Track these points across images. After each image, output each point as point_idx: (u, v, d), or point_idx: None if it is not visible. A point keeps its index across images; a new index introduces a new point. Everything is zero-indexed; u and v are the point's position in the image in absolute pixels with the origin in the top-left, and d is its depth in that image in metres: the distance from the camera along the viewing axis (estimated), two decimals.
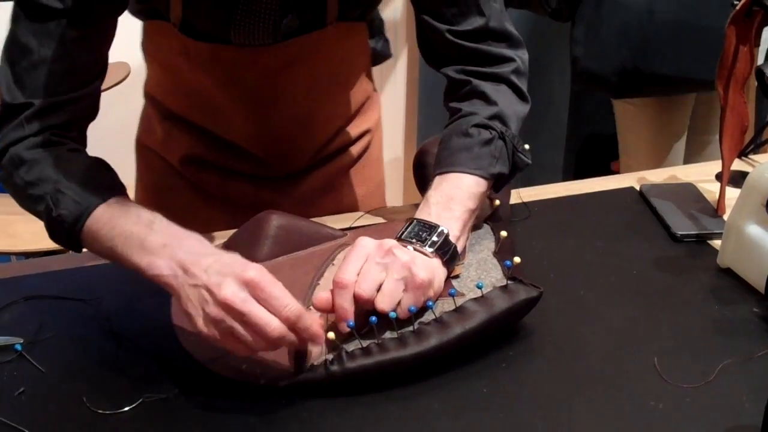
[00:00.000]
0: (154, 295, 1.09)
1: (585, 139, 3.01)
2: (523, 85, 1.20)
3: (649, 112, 2.22)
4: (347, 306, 0.95)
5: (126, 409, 0.92)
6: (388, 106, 3.42)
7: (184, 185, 1.40)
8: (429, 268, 1.00)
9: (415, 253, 1.00)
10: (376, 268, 0.97)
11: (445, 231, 1.04)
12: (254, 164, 1.35)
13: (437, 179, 1.11)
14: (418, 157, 1.29)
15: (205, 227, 1.24)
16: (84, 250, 1.05)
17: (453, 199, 1.08)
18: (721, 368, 0.97)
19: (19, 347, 1.00)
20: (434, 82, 3.35)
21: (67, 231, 1.02)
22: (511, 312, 0.99)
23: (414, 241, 1.03)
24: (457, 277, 1.07)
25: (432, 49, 1.22)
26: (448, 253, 1.03)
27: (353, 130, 1.43)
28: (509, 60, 1.19)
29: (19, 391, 0.95)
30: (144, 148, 1.44)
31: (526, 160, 1.16)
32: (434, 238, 1.03)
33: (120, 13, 1.12)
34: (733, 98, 1.27)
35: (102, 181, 1.05)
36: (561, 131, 3.05)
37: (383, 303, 0.96)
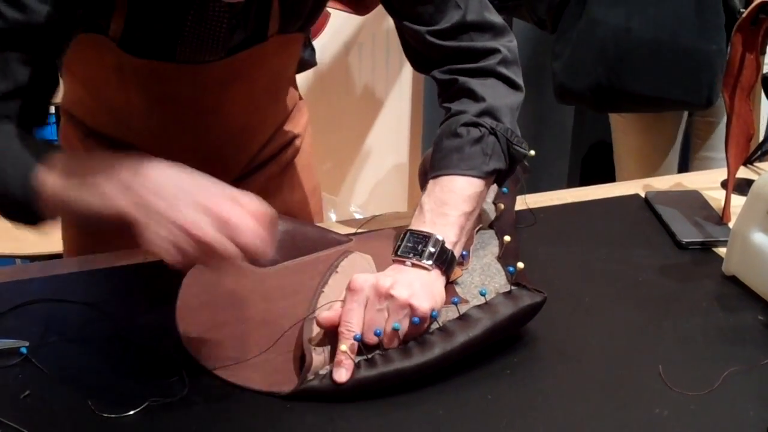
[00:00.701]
0: (160, 298, 1.09)
1: (590, 146, 3.01)
2: (512, 73, 1.17)
3: (637, 125, 2.20)
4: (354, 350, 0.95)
5: (131, 413, 0.92)
6: (394, 113, 3.42)
7: None
8: (429, 293, 0.99)
9: (412, 282, 0.99)
10: (378, 316, 0.96)
11: (440, 239, 1.03)
12: None
13: (430, 184, 1.10)
14: (423, 165, 1.29)
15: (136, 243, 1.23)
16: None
17: (447, 203, 1.07)
18: (726, 376, 0.97)
19: (24, 350, 1.00)
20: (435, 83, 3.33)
21: (18, 203, 0.96)
22: (515, 318, 0.99)
23: (410, 255, 1.02)
24: (457, 283, 1.06)
25: (416, 54, 1.21)
26: (446, 262, 1.03)
27: (283, 136, 1.42)
28: (494, 51, 1.16)
29: (24, 394, 0.95)
30: None
31: (523, 150, 1.14)
32: (430, 249, 1.02)
33: (68, 38, 1.08)
34: (739, 106, 1.27)
35: (34, 146, 0.99)
36: (566, 137, 3.05)
37: (391, 343, 0.97)
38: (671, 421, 0.91)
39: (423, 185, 1.28)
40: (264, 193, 1.38)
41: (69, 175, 0.93)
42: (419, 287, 0.98)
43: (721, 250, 1.22)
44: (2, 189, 0.96)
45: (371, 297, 0.97)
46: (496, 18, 1.18)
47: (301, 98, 1.49)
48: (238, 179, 1.37)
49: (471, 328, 0.97)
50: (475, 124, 1.11)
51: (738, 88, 1.26)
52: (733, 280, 1.16)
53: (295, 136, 1.45)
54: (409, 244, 1.04)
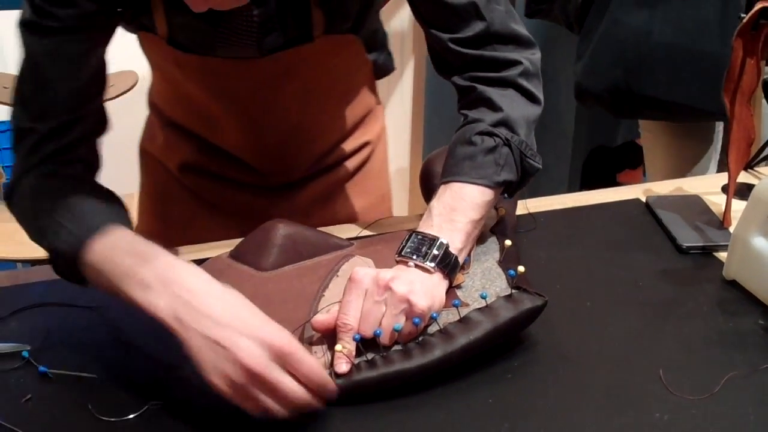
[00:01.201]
0: None
1: (591, 151, 3.01)
2: (532, 86, 1.17)
3: (663, 142, 2.16)
4: (352, 346, 0.95)
5: (131, 416, 0.92)
6: (394, 117, 3.42)
7: (183, 193, 1.40)
8: (428, 293, 0.99)
9: (413, 280, 0.99)
10: (375, 308, 0.96)
11: (445, 243, 1.04)
12: (250, 174, 1.36)
13: (441, 188, 1.11)
14: (425, 168, 1.29)
15: (203, 234, 1.24)
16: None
17: (456, 210, 1.08)
18: (726, 380, 0.97)
19: (26, 354, 1.01)
20: (440, 92, 3.36)
21: (69, 266, 0.99)
22: (516, 321, 0.99)
23: (414, 256, 1.02)
24: (459, 287, 1.07)
25: (439, 59, 1.21)
26: (449, 266, 1.03)
27: (352, 142, 1.43)
28: (515, 63, 1.17)
29: (26, 398, 0.95)
30: (146, 155, 1.45)
31: (536, 165, 1.14)
32: (434, 252, 1.03)
33: (116, 25, 1.13)
34: (740, 111, 1.27)
35: (99, 211, 1.02)
36: (567, 142, 3.06)
37: (385, 339, 0.96)
38: (672, 426, 0.91)
39: (424, 190, 1.29)
40: (326, 197, 1.41)
41: (119, 260, 0.94)
42: (419, 286, 0.98)
43: (722, 255, 1.22)
44: (56, 251, 1.00)
45: (370, 288, 0.97)
46: (521, 29, 1.19)
47: (379, 103, 1.49)
48: (301, 181, 1.39)
49: (472, 331, 0.97)
50: (490, 134, 1.11)
51: (738, 93, 1.26)
52: (734, 285, 1.16)
53: (367, 143, 1.46)
54: (413, 245, 1.04)
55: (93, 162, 1.12)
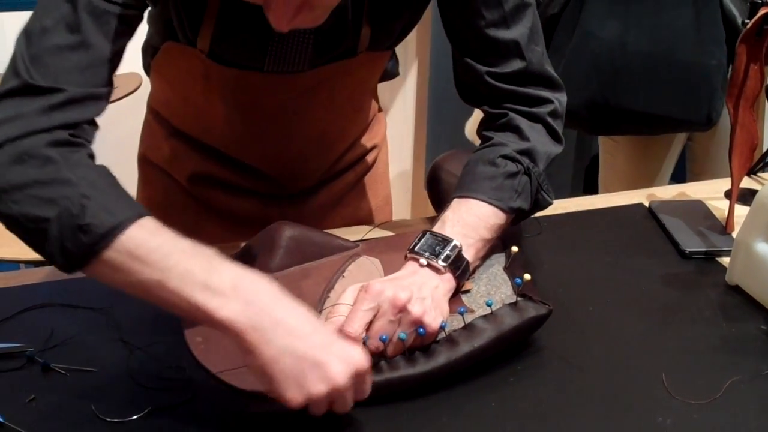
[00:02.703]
0: None
1: (593, 157, 3.01)
2: (558, 127, 1.20)
3: (627, 149, 2.12)
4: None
5: (134, 417, 0.92)
6: (397, 122, 3.42)
7: (190, 202, 1.38)
8: (438, 307, 0.99)
9: (425, 297, 0.98)
10: (389, 327, 0.96)
11: (459, 245, 1.04)
12: (265, 183, 1.35)
13: (456, 202, 1.11)
14: (432, 172, 1.30)
15: (210, 243, 1.24)
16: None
17: (469, 225, 1.08)
18: (729, 385, 0.97)
19: (30, 354, 1.01)
20: (443, 97, 3.35)
21: (88, 245, 0.88)
22: (519, 329, 0.99)
23: (427, 254, 1.03)
24: (468, 292, 1.07)
25: (468, 87, 1.22)
26: (460, 269, 1.03)
27: (361, 147, 1.44)
28: (547, 101, 1.19)
29: (29, 398, 0.95)
30: (147, 164, 1.41)
31: (548, 199, 1.16)
32: (447, 252, 1.03)
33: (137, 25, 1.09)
34: (743, 116, 1.27)
35: (130, 198, 0.93)
36: (569, 147, 3.06)
37: (393, 352, 0.97)
38: (674, 430, 0.91)
39: (431, 193, 1.29)
40: (338, 201, 1.42)
41: (174, 258, 0.88)
42: (431, 303, 0.98)
43: (725, 260, 1.22)
44: (81, 226, 0.88)
45: (385, 308, 0.96)
46: (553, 71, 1.21)
47: (380, 110, 1.50)
48: (314, 187, 1.39)
49: (476, 338, 0.97)
50: (514, 160, 1.13)
51: (742, 99, 1.26)
52: (737, 290, 1.16)
53: (373, 147, 1.47)
54: (427, 243, 1.04)
55: (93, 155, 0.99)
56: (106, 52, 0.99)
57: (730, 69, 1.76)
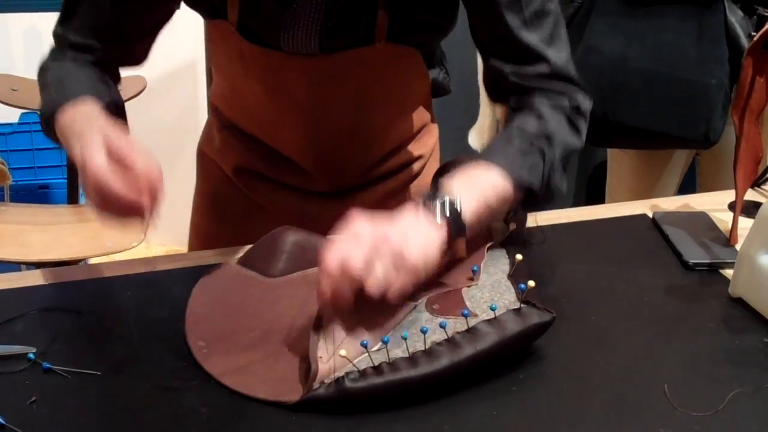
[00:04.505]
0: (169, 307, 1.10)
1: (596, 166, 3.02)
2: (579, 123, 1.20)
3: (633, 159, 2.14)
4: (328, 289, 0.95)
5: (135, 420, 0.92)
6: None
7: (237, 194, 1.44)
8: (425, 251, 0.98)
9: (411, 237, 0.98)
10: (365, 255, 0.95)
11: (458, 199, 1.03)
12: (302, 177, 1.37)
13: (467, 165, 1.11)
14: (435, 179, 1.30)
15: (255, 236, 1.25)
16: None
17: (476, 185, 1.07)
18: (731, 397, 0.97)
19: (32, 356, 1.01)
20: (447, 105, 3.36)
21: (48, 126, 1.13)
22: (522, 335, 0.99)
23: (423, 202, 1.03)
24: (464, 297, 1.07)
25: (495, 86, 1.24)
26: (455, 222, 1.02)
27: (407, 154, 1.44)
28: (571, 97, 1.19)
29: (30, 401, 0.95)
30: (204, 157, 1.50)
31: (560, 187, 1.16)
32: (443, 201, 1.02)
33: None
34: (748, 129, 1.27)
35: (83, 86, 1.15)
36: (573, 157, 3.06)
37: (372, 287, 0.94)
38: None
39: None
40: (379, 207, 1.39)
41: (76, 125, 1.07)
42: (415, 240, 0.98)
43: (728, 272, 1.22)
44: (39, 111, 1.17)
45: (366, 239, 0.96)
46: (577, 75, 1.21)
47: (434, 121, 1.51)
48: (353, 189, 1.41)
49: (478, 342, 0.97)
50: (529, 140, 1.13)
51: (747, 112, 1.26)
52: (740, 302, 1.16)
53: (420, 156, 1.47)
54: (426, 193, 1.05)
55: (113, 74, 1.26)
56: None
57: (734, 88, 1.76)
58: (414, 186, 1.47)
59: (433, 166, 1.51)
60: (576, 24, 1.94)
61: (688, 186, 2.22)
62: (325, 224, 1.15)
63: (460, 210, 1.02)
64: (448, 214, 1.01)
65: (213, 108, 1.47)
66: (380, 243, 0.95)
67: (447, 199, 1.02)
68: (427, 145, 1.48)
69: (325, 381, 0.94)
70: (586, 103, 1.21)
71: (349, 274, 0.93)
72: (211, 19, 1.26)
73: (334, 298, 0.95)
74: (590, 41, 1.90)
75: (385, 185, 1.43)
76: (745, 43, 1.75)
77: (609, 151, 2.26)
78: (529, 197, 1.13)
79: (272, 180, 1.40)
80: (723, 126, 1.81)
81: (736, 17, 1.78)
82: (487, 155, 1.12)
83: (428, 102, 1.47)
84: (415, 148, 1.45)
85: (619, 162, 2.19)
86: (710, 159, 2.11)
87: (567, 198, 3.05)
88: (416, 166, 1.47)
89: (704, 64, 1.79)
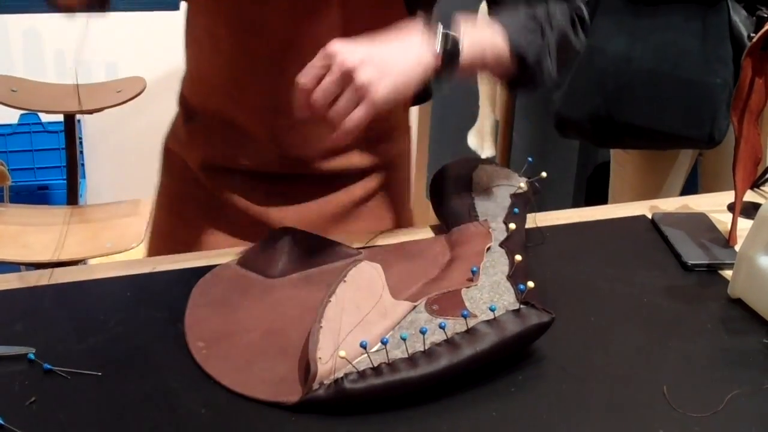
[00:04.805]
0: (169, 308, 1.10)
1: (596, 167, 3.02)
2: (578, 28, 1.23)
3: (636, 160, 2.14)
4: (305, 103, 0.98)
5: (136, 421, 0.92)
6: None
7: (200, 192, 1.39)
8: (396, 82, 1.00)
9: (383, 70, 1.00)
10: (331, 87, 0.98)
11: (461, 38, 1.06)
12: (262, 156, 1.33)
13: (472, 19, 1.14)
14: (434, 181, 1.30)
15: (215, 238, 1.24)
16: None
17: (479, 33, 1.10)
18: (730, 398, 0.97)
19: (31, 356, 1.01)
20: (445, 107, 3.35)
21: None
22: (522, 336, 0.99)
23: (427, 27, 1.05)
24: (464, 298, 1.07)
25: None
26: (449, 55, 1.05)
27: (373, 153, 1.38)
28: (575, 5, 1.23)
29: (30, 401, 0.95)
30: (169, 153, 1.45)
31: (551, 71, 1.19)
32: (447, 34, 1.05)
33: None
34: (747, 130, 1.28)
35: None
36: (572, 157, 3.06)
37: (333, 117, 0.98)
38: None
39: (434, 202, 1.29)
40: (344, 217, 1.36)
41: None
42: (388, 72, 1.00)
43: (727, 273, 1.22)
44: None
45: (334, 68, 0.98)
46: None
47: (408, 128, 1.47)
48: (318, 190, 1.36)
49: (478, 343, 0.97)
50: (534, 19, 1.17)
51: (747, 113, 1.26)
52: (739, 303, 1.16)
53: (388, 164, 1.42)
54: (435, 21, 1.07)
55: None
56: None
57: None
58: (380, 198, 1.42)
59: (402, 181, 1.47)
60: None
61: (689, 187, 2.22)
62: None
63: (461, 48, 1.05)
64: (447, 47, 1.03)
65: (181, 99, 1.41)
66: (348, 77, 0.98)
67: (452, 33, 1.04)
68: (399, 151, 1.43)
69: (325, 382, 0.94)
70: (585, 14, 1.25)
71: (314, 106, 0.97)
72: None
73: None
74: (594, 41, 1.90)
75: (350, 192, 1.38)
76: (748, 42, 1.76)
77: (612, 153, 2.26)
78: (521, 70, 1.15)
79: (236, 171, 1.34)
80: (727, 126, 1.81)
81: (739, 17, 1.78)
82: (493, 18, 1.14)
83: (406, 104, 1.43)
84: (383, 150, 1.39)
85: (622, 164, 2.19)
86: (712, 160, 2.11)
87: (566, 199, 3.05)
88: (383, 174, 1.41)
89: (708, 63, 1.80)
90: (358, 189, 1.39)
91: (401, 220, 1.47)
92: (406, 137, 1.47)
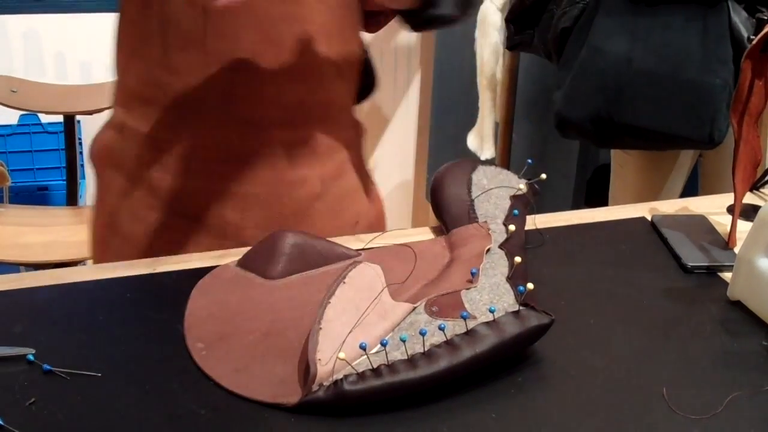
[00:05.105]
0: (168, 309, 1.10)
1: (595, 169, 3.02)
2: None
3: (637, 161, 2.15)
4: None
5: (137, 422, 0.92)
6: (400, 131, 3.43)
7: (142, 201, 1.34)
8: None
9: None
10: None
11: None
12: (213, 129, 1.28)
13: None
14: (434, 183, 1.30)
15: (169, 245, 1.23)
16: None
17: None
18: (729, 400, 0.97)
19: (31, 357, 1.01)
20: (446, 106, 3.36)
21: None
22: (521, 338, 0.99)
23: None
24: (464, 299, 1.07)
25: None
26: None
27: (322, 138, 1.33)
28: None
29: (29, 402, 0.95)
30: (101, 165, 1.40)
31: None
32: None
33: None
34: (747, 132, 1.28)
35: None
36: (572, 158, 3.06)
37: None
38: None
39: (434, 204, 1.29)
40: (302, 213, 1.34)
41: None
42: None
43: (727, 275, 1.22)
44: None
45: None
46: None
47: (363, 130, 1.45)
48: (268, 187, 1.32)
49: (477, 344, 0.97)
50: None
51: (746, 115, 1.27)
52: (738, 305, 1.16)
53: (343, 161, 1.40)
54: None
55: None
56: None
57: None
58: (332, 198, 1.39)
59: (350, 179, 1.43)
60: (581, 24, 1.94)
61: (690, 188, 2.23)
62: (246, 233, 1.14)
63: None
64: None
65: (115, 107, 1.36)
66: None
67: None
68: (346, 146, 1.39)
69: (324, 383, 0.94)
70: None
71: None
72: None
73: None
74: (595, 42, 1.90)
75: (304, 188, 1.33)
76: (748, 44, 1.76)
77: (612, 153, 2.26)
78: None
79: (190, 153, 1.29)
80: (727, 126, 1.82)
81: (740, 17, 1.78)
82: None
83: (353, 100, 1.39)
84: (332, 138, 1.35)
85: (622, 165, 2.19)
86: (713, 160, 2.12)
87: (566, 201, 3.05)
88: (331, 166, 1.37)
89: (709, 64, 1.80)
90: (317, 187, 1.36)
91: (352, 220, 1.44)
92: (358, 141, 1.44)
